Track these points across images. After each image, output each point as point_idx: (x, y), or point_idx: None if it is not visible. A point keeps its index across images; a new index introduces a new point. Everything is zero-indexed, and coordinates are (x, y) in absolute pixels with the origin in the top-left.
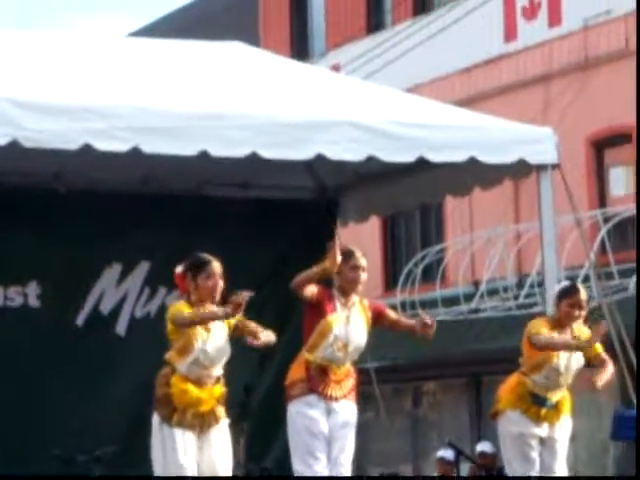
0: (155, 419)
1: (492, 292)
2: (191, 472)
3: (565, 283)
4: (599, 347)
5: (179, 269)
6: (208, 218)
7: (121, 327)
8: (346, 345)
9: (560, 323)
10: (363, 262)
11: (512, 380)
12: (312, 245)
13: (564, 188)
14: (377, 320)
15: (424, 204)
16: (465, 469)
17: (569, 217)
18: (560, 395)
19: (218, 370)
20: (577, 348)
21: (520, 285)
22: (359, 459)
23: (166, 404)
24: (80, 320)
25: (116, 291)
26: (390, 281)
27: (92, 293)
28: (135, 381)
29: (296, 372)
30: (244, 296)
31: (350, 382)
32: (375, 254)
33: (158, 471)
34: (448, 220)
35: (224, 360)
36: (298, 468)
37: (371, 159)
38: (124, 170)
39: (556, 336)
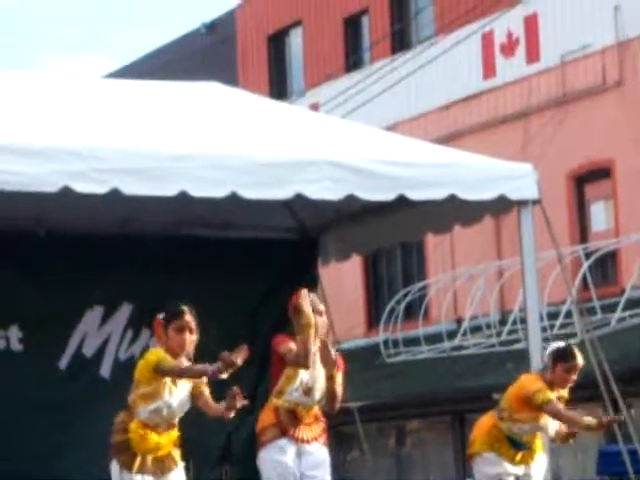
0: (114, 467)
1: (475, 329)
2: None
3: (561, 345)
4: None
5: (160, 315)
6: (189, 259)
7: (105, 370)
8: (311, 389)
9: (552, 384)
10: (320, 307)
11: (487, 422)
12: (293, 285)
13: (545, 224)
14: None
15: (405, 242)
16: None
17: (551, 253)
18: (535, 437)
19: (175, 420)
20: (583, 427)
21: (503, 322)
22: None
23: (125, 450)
24: (63, 364)
25: (98, 334)
26: (373, 319)
27: (74, 336)
28: None
29: (266, 418)
30: (238, 356)
31: (320, 426)
32: (357, 292)
33: None
34: (430, 257)
35: (182, 414)
36: None
37: (351, 198)
38: (104, 212)
39: (569, 412)
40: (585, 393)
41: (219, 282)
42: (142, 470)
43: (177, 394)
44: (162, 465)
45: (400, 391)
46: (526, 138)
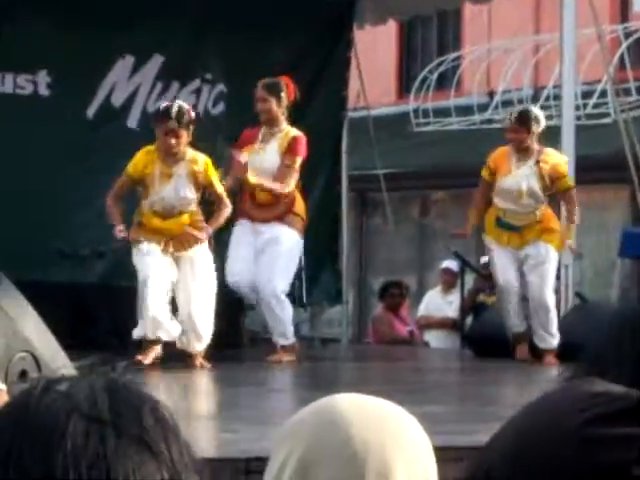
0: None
1: (507, 103)
2: (153, 272)
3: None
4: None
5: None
6: (222, 14)
7: (133, 120)
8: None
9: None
10: (261, 93)
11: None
12: (327, 46)
13: (587, 0)
14: None
15: (442, 9)
16: (469, 280)
17: (590, 30)
18: (527, 222)
19: (180, 209)
20: None
21: (536, 97)
22: (363, 267)
23: (137, 230)
24: (91, 112)
25: (128, 84)
26: (404, 87)
27: (103, 85)
28: None
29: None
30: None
31: (279, 207)
32: (390, 59)
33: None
34: (466, 28)
35: (188, 207)
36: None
37: None
38: None
39: None
40: (615, 174)
41: (252, 39)
42: (149, 239)
43: (168, 186)
44: (176, 244)
45: (427, 161)
46: None
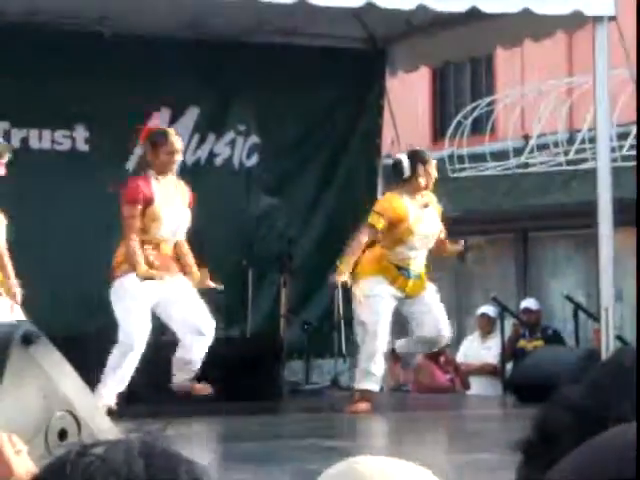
0: None
1: (542, 147)
2: None
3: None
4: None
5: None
6: (255, 65)
7: None
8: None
9: (413, 189)
10: (178, 145)
11: (375, 251)
12: (360, 95)
13: (619, 42)
14: None
15: (474, 55)
16: (508, 326)
17: (623, 72)
18: (421, 264)
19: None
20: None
21: (571, 140)
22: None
23: None
24: (130, 165)
25: None
26: (438, 133)
27: None
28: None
29: (121, 254)
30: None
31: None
32: (424, 105)
33: None
34: (499, 72)
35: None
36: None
37: (422, 8)
38: (169, 15)
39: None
40: None
41: (285, 89)
42: None
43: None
44: None
45: (463, 207)
46: None
